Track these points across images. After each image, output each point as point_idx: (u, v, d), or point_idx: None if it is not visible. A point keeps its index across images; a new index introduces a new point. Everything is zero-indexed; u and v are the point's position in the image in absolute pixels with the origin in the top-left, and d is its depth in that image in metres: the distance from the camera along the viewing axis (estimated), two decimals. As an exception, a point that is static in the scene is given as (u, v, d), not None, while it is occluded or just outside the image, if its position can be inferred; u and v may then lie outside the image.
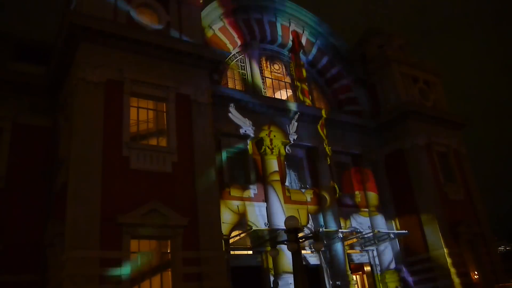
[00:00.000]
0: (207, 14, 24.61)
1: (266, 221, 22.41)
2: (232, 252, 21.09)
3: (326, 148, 26.00)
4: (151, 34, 18.94)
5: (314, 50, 29.98)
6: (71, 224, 14.72)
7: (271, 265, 21.70)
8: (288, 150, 25.39)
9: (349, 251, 25.37)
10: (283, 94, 28.50)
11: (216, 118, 21.40)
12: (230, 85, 25.92)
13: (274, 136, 24.30)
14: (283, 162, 25.01)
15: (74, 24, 16.91)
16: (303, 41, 29.54)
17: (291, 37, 28.81)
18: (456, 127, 30.95)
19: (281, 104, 25.42)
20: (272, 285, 20.68)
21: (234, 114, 23.47)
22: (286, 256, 20.45)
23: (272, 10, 28.33)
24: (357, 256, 26.23)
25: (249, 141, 24.05)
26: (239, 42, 26.70)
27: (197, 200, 17.38)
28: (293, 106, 25.83)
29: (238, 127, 23.39)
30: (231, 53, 26.05)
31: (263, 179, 23.58)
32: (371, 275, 26.34)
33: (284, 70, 28.99)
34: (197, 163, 18.04)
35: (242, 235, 20.91)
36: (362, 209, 27.14)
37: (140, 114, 18.19)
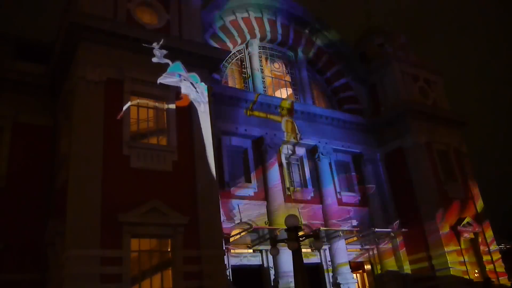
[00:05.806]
0: (207, 13, 24.57)
1: (267, 220, 22.43)
2: (232, 251, 21.13)
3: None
4: (151, 33, 18.91)
5: (314, 49, 29.93)
6: (71, 223, 14.72)
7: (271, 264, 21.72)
8: (288, 149, 25.39)
9: (349, 250, 25.36)
10: (283, 93, 28.48)
11: (216, 116, 21.39)
12: (230, 83, 25.92)
13: (275, 134, 24.30)
14: (284, 161, 25.02)
15: (74, 23, 16.87)
16: (303, 39, 29.51)
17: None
18: (457, 125, 30.89)
19: (281, 103, 25.37)
20: None
21: (233, 113, 23.47)
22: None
23: (272, 9, 28.29)
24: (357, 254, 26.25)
25: (249, 140, 24.03)
26: (239, 41, 26.67)
27: (198, 199, 17.36)
28: (293, 104, 25.79)
29: (238, 125, 23.38)
30: (231, 52, 26.02)
31: (263, 178, 23.59)
32: (371, 273, 26.38)
33: (284, 68, 28.96)
34: (197, 162, 18.00)
35: (243, 233, 20.91)
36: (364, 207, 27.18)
37: (140, 113, 18.14)
